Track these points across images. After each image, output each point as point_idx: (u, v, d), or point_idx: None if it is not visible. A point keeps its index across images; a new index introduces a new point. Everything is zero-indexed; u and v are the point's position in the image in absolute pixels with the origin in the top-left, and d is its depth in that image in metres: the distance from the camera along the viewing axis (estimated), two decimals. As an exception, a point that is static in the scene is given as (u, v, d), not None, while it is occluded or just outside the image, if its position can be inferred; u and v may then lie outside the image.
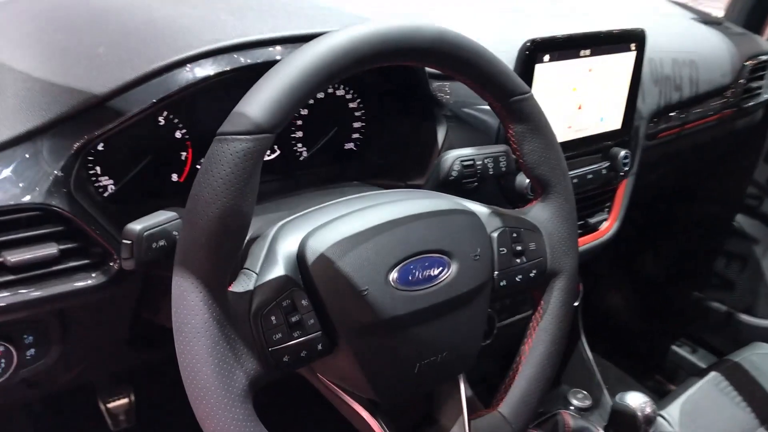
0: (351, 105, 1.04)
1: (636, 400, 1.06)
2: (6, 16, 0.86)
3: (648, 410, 1.05)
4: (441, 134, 0.99)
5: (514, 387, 0.82)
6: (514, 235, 0.81)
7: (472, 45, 0.72)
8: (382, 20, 0.67)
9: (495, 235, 0.80)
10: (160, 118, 0.84)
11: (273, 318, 0.63)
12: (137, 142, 0.84)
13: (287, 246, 0.68)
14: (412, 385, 0.74)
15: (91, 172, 0.84)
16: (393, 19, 0.67)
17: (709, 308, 1.90)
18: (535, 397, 0.83)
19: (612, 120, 1.15)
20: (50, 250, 0.71)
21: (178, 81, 0.74)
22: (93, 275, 0.75)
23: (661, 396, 1.93)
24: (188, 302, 0.58)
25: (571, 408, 1.35)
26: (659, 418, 1.32)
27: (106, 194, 0.86)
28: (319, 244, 0.67)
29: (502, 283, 0.80)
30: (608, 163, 1.17)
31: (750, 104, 1.59)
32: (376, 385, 0.71)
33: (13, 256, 0.69)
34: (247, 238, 0.73)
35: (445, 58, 0.70)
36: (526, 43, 0.97)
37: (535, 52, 0.97)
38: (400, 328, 0.70)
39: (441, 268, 0.73)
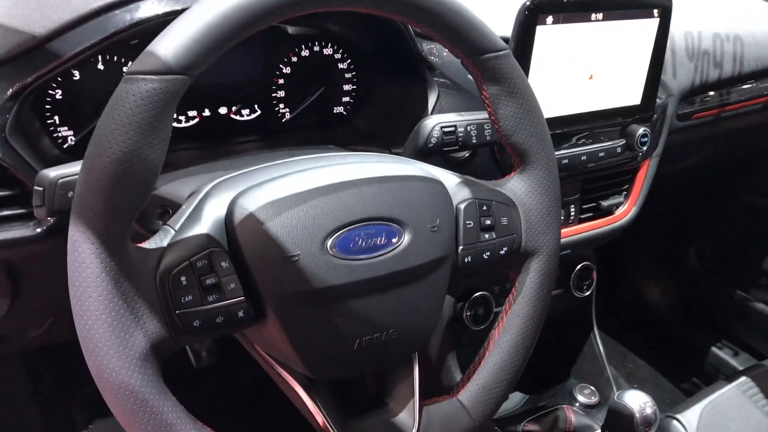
0: (341, 66, 0.98)
1: (636, 400, 0.96)
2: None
3: (648, 411, 0.96)
4: (432, 100, 0.93)
5: (478, 374, 0.75)
6: (484, 207, 0.74)
7: None
8: None
9: (462, 206, 0.73)
10: (100, 65, 0.80)
11: (183, 278, 0.58)
12: (93, 88, 0.81)
13: (216, 204, 0.63)
14: (349, 363, 0.67)
15: (49, 122, 0.81)
16: None
17: (753, 309, 1.76)
18: (500, 387, 0.76)
19: (630, 94, 1.05)
20: None
21: (117, 22, 0.70)
22: (30, 225, 0.72)
23: (690, 396, 1.82)
24: (79, 253, 0.53)
25: (576, 404, 1.26)
26: (674, 422, 1.22)
27: (65, 146, 0.83)
28: (249, 204, 0.62)
29: (466, 260, 0.73)
30: (624, 141, 1.07)
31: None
32: (308, 360, 0.65)
33: None
34: (185, 195, 0.69)
35: (401, 4, 0.63)
36: (525, 2, 0.88)
37: (535, 12, 0.89)
38: (336, 300, 0.64)
39: (390, 238, 0.66)
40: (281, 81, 0.95)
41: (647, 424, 0.95)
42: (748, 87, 1.33)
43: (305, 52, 0.95)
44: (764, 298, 1.76)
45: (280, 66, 0.94)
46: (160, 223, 0.68)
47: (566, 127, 1.00)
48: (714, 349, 1.83)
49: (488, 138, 0.87)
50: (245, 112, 0.94)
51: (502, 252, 0.75)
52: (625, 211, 1.15)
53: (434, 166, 0.76)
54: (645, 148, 1.08)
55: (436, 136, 0.84)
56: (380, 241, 0.66)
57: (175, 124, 0.89)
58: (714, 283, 1.85)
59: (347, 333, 0.66)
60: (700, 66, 1.21)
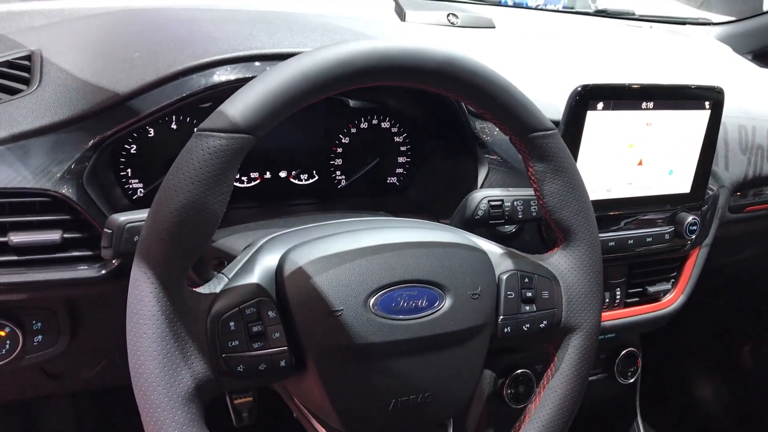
0: (396, 139, 1.03)
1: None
2: (73, 27, 0.93)
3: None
4: (481, 175, 0.96)
5: None
6: (526, 280, 0.75)
7: (485, 72, 0.68)
8: (394, 39, 0.65)
9: (504, 277, 0.75)
10: (173, 124, 0.86)
11: (232, 324, 0.61)
12: (165, 146, 0.87)
13: (269, 257, 0.67)
14: (384, 422, 0.69)
15: (122, 174, 0.87)
16: (407, 40, 0.66)
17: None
18: None
19: (681, 182, 1.06)
20: (53, 236, 0.74)
21: (192, 85, 0.76)
22: (95, 266, 0.77)
23: None
24: (139, 292, 0.57)
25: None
26: None
27: (135, 197, 0.89)
28: (299, 258, 0.66)
29: (506, 330, 0.75)
30: (673, 228, 1.07)
31: None
32: (344, 415, 0.67)
33: (18, 237, 0.72)
34: (241, 249, 0.73)
35: (454, 82, 0.67)
36: (577, 88, 0.92)
37: (586, 98, 0.92)
38: (375, 358, 0.66)
39: (431, 301, 0.69)
40: (339, 150, 1.00)
41: None
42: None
43: (364, 124, 1.00)
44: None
45: (340, 136, 0.99)
46: (215, 273, 0.72)
47: (614, 210, 1.02)
48: (768, 455, 1.75)
49: (534, 214, 0.89)
50: (304, 176, 1.00)
51: (542, 325, 0.76)
52: (673, 298, 1.14)
53: (479, 237, 0.79)
54: (694, 237, 1.08)
55: (483, 208, 0.87)
56: (421, 303, 0.68)
57: (237, 184, 0.95)
58: (766, 385, 1.79)
59: (383, 391, 0.67)
60: (754, 160, 1.22)
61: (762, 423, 1.83)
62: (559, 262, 0.78)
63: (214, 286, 0.63)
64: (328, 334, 0.64)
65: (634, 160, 1.00)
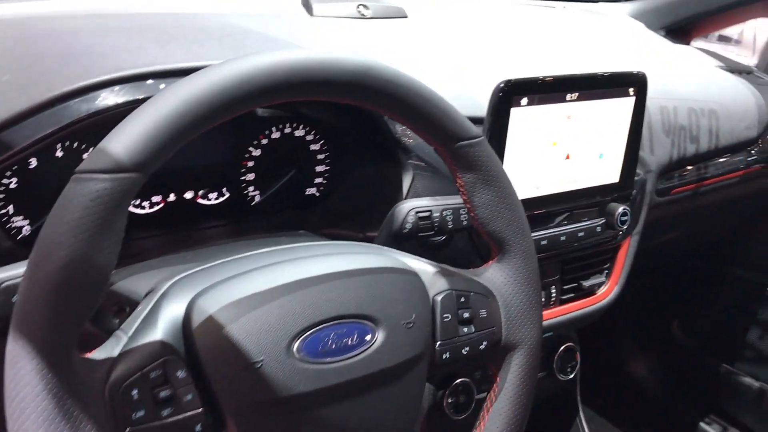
0: (313, 147, 0.96)
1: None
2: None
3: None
4: (407, 181, 0.90)
5: None
6: (462, 299, 0.70)
7: (403, 80, 0.62)
8: (299, 50, 0.58)
9: (439, 298, 0.69)
10: (59, 152, 0.76)
11: (135, 392, 0.53)
12: (51, 177, 0.77)
13: (173, 306, 0.59)
14: None
15: (2, 212, 0.77)
16: (314, 50, 0.59)
17: (741, 384, 1.72)
18: None
19: (609, 172, 1.03)
20: None
21: (72, 113, 0.66)
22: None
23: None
24: (18, 371, 0.49)
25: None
26: None
27: (19, 237, 0.78)
28: (209, 305, 0.58)
29: (444, 356, 0.69)
30: (604, 220, 1.04)
31: (782, 160, 1.44)
32: None
33: None
34: (143, 292, 0.65)
35: (369, 94, 0.60)
36: (499, 84, 0.86)
37: (510, 94, 0.87)
38: (304, 409, 0.59)
39: (362, 337, 0.62)
40: (251, 163, 0.91)
41: None
42: (724, 161, 1.32)
43: (276, 134, 0.92)
44: (751, 371, 1.72)
45: (250, 148, 0.91)
46: (117, 321, 0.64)
47: (544, 208, 0.97)
48: (702, 424, 1.78)
49: (464, 223, 0.84)
50: (212, 195, 0.91)
51: (482, 347, 0.71)
52: (607, 290, 1.12)
53: (408, 255, 0.72)
54: (625, 227, 1.05)
55: (411, 221, 0.81)
56: (351, 341, 0.62)
57: (137, 211, 0.85)
58: (700, 358, 1.81)
59: None
60: (677, 141, 1.20)
61: (692, 391, 1.86)
62: (494, 276, 0.73)
63: (111, 348, 0.55)
64: (248, 389, 0.57)
65: (561, 154, 0.96)
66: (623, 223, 1.04)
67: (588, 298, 1.09)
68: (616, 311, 1.61)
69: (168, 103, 0.52)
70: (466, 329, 0.70)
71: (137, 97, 0.69)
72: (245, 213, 0.94)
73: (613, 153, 1.02)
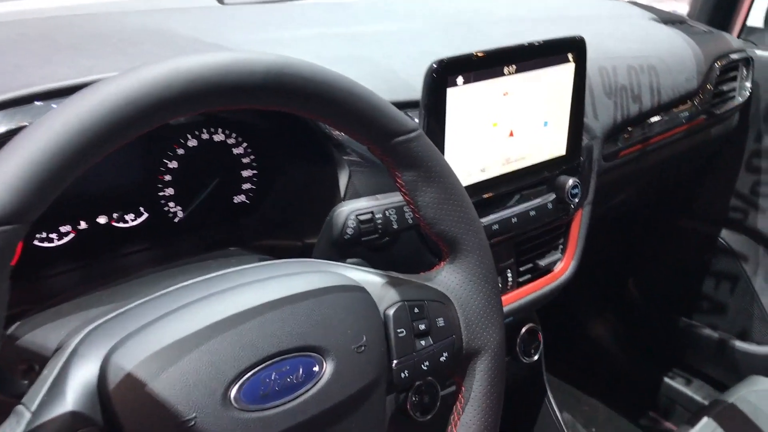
0: (236, 151, 0.87)
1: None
2: None
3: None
4: (343, 180, 0.82)
5: None
6: (416, 310, 0.63)
7: (325, 76, 0.54)
8: (197, 54, 0.50)
9: (390, 312, 0.62)
10: None
11: None
12: None
13: (85, 366, 0.51)
14: None
15: None
16: (216, 53, 0.50)
17: (701, 336, 1.72)
18: None
19: (555, 145, 0.98)
20: None
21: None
22: None
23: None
24: None
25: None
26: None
27: None
28: (126, 361, 0.50)
29: (403, 375, 0.62)
30: (554, 196, 0.99)
31: (722, 110, 1.42)
32: None
33: None
34: (53, 347, 0.56)
35: (287, 96, 0.52)
36: (431, 65, 0.79)
37: (444, 74, 0.80)
38: None
39: (308, 372, 0.55)
40: (168, 177, 0.83)
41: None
42: (667, 117, 1.29)
43: (193, 142, 0.83)
44: (710, 322, 1.72)
45: (165, 161, 0.82)
46: (26, 383, 0.55)
47: (492, 191, 0.91)
48: (666, 379, 1.78)
49: (410, 222, 0.77)
50: (129, 217, 0.82)
51: (443, 358, 0.64)
52: (564, 266, 1.07)
53: (351, 267, 0.65)
54: (577, 200, 1.00)
55: (352, 226, 0.74)
56: (297, 378, 0.55)
57: (45, 245, 0.76)
58: (658, 313, 1.81)
59: None
60: (620, 102, 1.16)
61: (653, 347, 1.86)
62: (448, 279, 0.66)
63: (11, 429, 0.47)
64: None
65: (504, 132, 0.90)
66: (574, 196, 0.99)
67: (545, 277, 1.05)
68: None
69: (47, 136, 0.43)
70: (423, 342, 0.63)
71: (10, 127, 0.60)
72: (169, 233, 0.85)
73: (557, 124, 0.96)
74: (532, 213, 0.96)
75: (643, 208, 1.71)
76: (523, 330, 1.12)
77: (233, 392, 0.51)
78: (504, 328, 0.68)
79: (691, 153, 1.44)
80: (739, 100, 1.47)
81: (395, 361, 0.62)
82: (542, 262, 1.03)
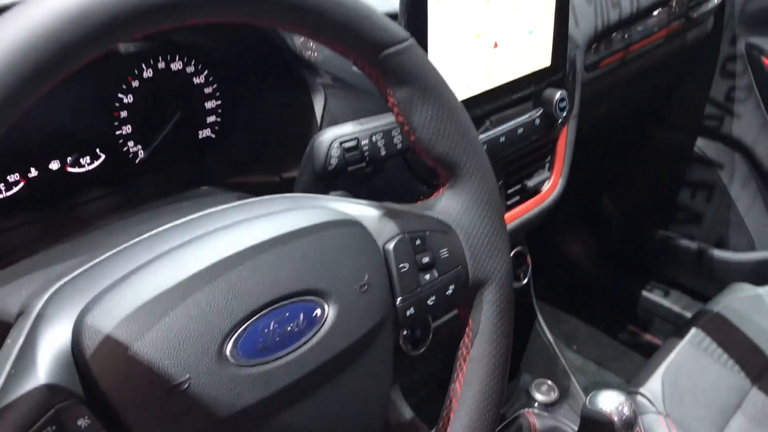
0: (197, 80, 0.79)
1: (610, 403, 0.84)
2: None
3: (626, 411, 0.84)
4: (319, 105, 0.75)
5: None
6: (418, 242, 0.57)
7: None
8: None
9: (390, 246, 0.56)
10: None
11: None
12: None
13: (55, 330, 0.44)
14: None
15: None
16: None
17: (678, 247, 1.71)
18: None
19: (540, 56, 0.91)
20: None
21: None
22: None
23: (636, 348, 1.77)
24: None
25: (536, 405, 1.15)
26: (639, 397, 1.13)
27: None
28: (103, 322, 0.43)
29: (409, 312, 0.57)
30: (541, 110, 0.93)
31: (698, 13, 1.36)
32: None
33: None
34: (15, 311, 0.49)
35: (258, 5, 0.45)
36: (410, -31, 0.71)
37: (423, -19, 0.72)
38: (253, 426, 0.47)
39: (310, 318, 0.49)
40: (124, 113, 0.74)
41: (628, 428, 0.84)
42: (646, 23, 1.23)
43: (148, 73, 0.74)
44: (685, 232, 1.71)
45: (119, 95, 0.73)
46: None
47: (479, 109, 0.85)
48: (645, 293, 1.78)
49: (399, 146, 0.70)
50: (85, 161, 0.74)
51: (449, 292, 0.59)
52: (552, 185, 1.02)
53: (342, 199, 0.59)
54: (564, 114, 0.95)
55: (336, 155, 0.67)
56: (298, 325, 0.49)
57: (-9, 198, 0.68)
58: (632, 226, 1.79)
59: None
60: (599, 9, 1.09)
61: (631, 261, 1.86)
62: (449, 205, 0.60)
63: None
64: (176, 421, 0.44)
65: (488, 44, 0.83)
66: (562, 109, 0.94)
67: (534, 198, 1.00)
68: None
69: None
70: (428, 276, 0.58)
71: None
72: (130, 175, 0.77)
73: (542, 32, 0.90)
74: (520, 131, 0.91)
75: (621, 121, 1.67)
76: (512, 254, 1.07)
77: (229, 347, 0.45)
78: (510, 255, 0.63)
79: (669, 60, 1.39)
80: (714, 2, 1.41)
81: (399, 299, 0.56)
82: (530, 183, 0.98)
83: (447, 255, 0.59)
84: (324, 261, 0.51)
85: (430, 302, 0.58)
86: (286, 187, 0.75)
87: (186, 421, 0.44)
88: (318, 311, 0.50)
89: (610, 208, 1.83)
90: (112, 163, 0.75)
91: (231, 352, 0.45)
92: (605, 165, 1.78)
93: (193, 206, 0.65)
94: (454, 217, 0.60)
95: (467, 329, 0.62)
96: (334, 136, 0.67)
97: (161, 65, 0.75)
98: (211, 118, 0.81)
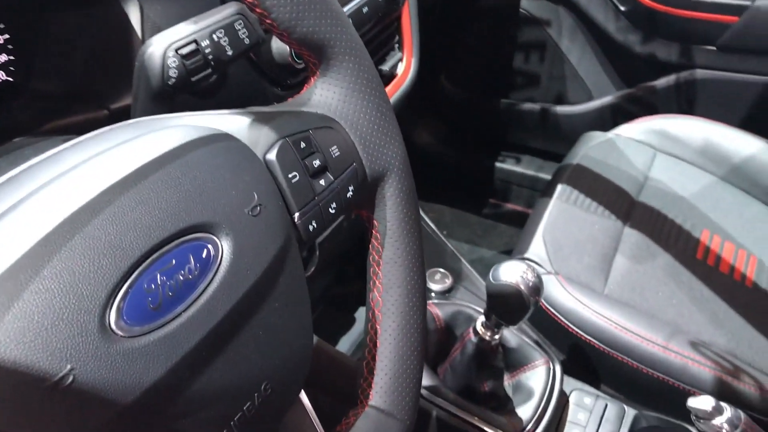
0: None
1: (514, 273, 0.82)
2: None
3: (531, 278, 0.82)
4: (135, 19, 0.62)
5: (380, 371, 0.54)
6: (303, 145, 0.49)
7: None
8: None
9: (272, 156, 0.47)
10: None
11: None
12: None
13: None
14: None
15: None
16: None
17: (522, 111, 1.72)
18: (412, 368, 0.56)
19: None
20: None
21: None
22: None
23: (501, 219, 1.80)
24: None
25: (433, 294, 1.13)
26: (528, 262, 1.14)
27: None
28: None
29: (311, 227, 0.49)
30: (383, -15, 0.85)
31: None
32: None
33: None
34: None
35: None
36: None
37: None
38: (172, 399, 0.38)
39: (202, 261, 0.40)
40: None
41: (536, 293, 0.82)
42: None
43: None
44: (524, 96, 1.73)
45: None
46: None
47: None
48: (498, 164, 1.80)
49: (247, 42, 0.60)
50: None
51: (350, 194, 0.52)
52: (407, 66, 0.95)
53: (198, 113, 0.48)
54: (406, -16, 0.87)
55: (173, 66, 0.55)
56: (190, 272, 0.39)
57: None
58: (473, 101, 1.79)
59: (207, 425, 0.40)
60: None
61: (476, 140, 1.87)
62: (326, 95, 0.52)
63: None
64: (69, 421, 0.34)
65: None
66: (403, -20, 0.86)
67: (393, 83, 0.93)
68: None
69: None
70: (322, 181, 0.50)
71: None
72: None
73: None
74: (365, 10, 0.82)
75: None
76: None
77: (112, 318, 0.35)
78: (402, 138, 0.56)
79: None
80: None
81: (297, 213, 0.48)
82: (385, 67, 0.91)
83: (338, 153, 0.51)
84: (201, 188, 0.41)
85: (332, 210, 0.50)
86: (118, 120, 0.63)
87: (82, 419, 0.34)
88: (209, 249, 0.40)
89: (449, 87, 1.81)
90: None
91: (116, 323, 0.35)
92: (438, 43, 1.74)
93: (9, 163, 0.51)
94: (334, 108, 0.52)
95: (374, 231, 0.56)
96: (166, 44, 0.55)
97: None
98: (2, 58, 0.66)
